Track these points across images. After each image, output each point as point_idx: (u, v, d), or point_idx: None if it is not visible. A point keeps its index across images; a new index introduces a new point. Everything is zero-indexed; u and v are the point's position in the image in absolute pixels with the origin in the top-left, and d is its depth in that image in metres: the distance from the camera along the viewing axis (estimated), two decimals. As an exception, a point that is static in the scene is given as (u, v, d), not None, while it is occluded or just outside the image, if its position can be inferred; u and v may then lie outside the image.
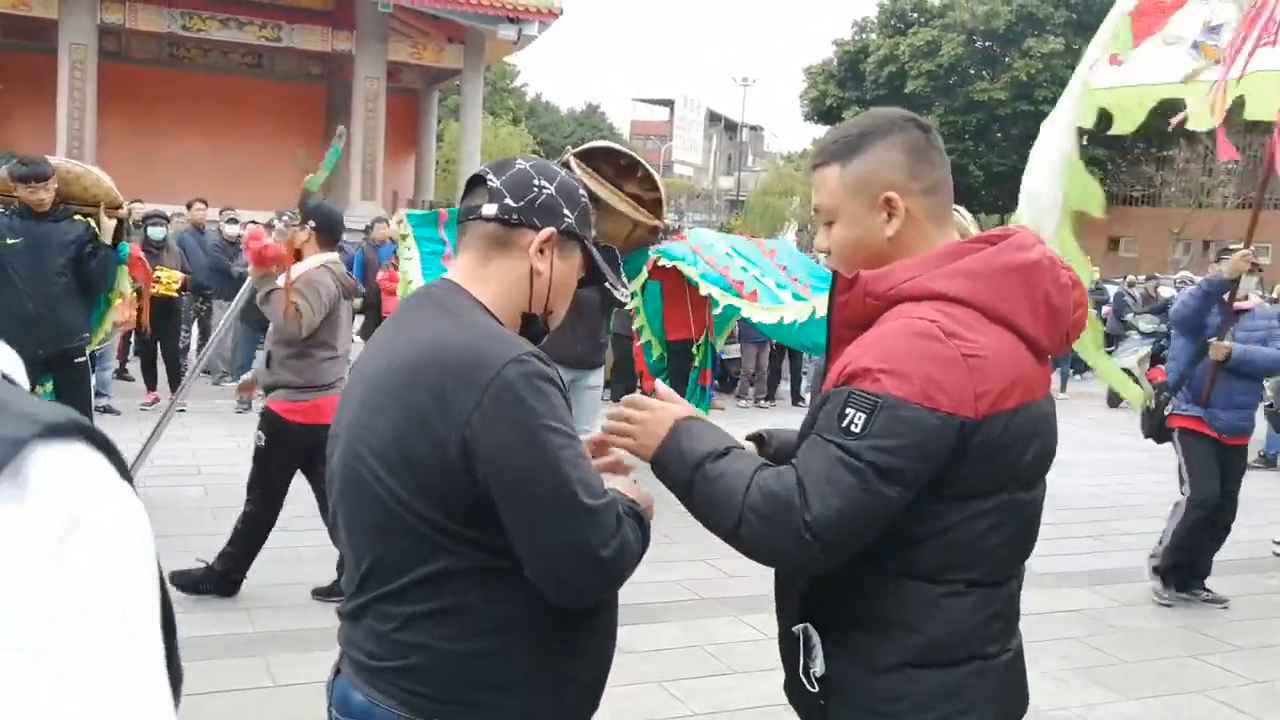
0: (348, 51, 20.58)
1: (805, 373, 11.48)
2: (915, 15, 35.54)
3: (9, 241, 5.02)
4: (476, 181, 1.59)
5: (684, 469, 1.51)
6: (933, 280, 1.47)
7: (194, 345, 10.08)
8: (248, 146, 21.16)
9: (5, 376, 0.61)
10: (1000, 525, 1.48)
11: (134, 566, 0.56)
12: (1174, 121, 4.46)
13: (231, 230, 9.79)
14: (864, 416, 1.39)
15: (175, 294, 9.01)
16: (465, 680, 1.44)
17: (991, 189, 32.41)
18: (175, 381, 8.64)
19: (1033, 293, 1.50)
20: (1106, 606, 5.18)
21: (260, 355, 5.76)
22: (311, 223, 4.44)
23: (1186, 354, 5.25)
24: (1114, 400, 12.87)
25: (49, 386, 5.21)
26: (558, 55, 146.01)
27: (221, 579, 4.47)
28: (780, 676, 1.67)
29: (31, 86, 19.20)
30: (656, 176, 6.22)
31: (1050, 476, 1.60)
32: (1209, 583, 5.30)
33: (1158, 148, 31.89)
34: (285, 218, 4.58)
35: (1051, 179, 4.56)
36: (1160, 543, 5.28)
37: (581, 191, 1.61)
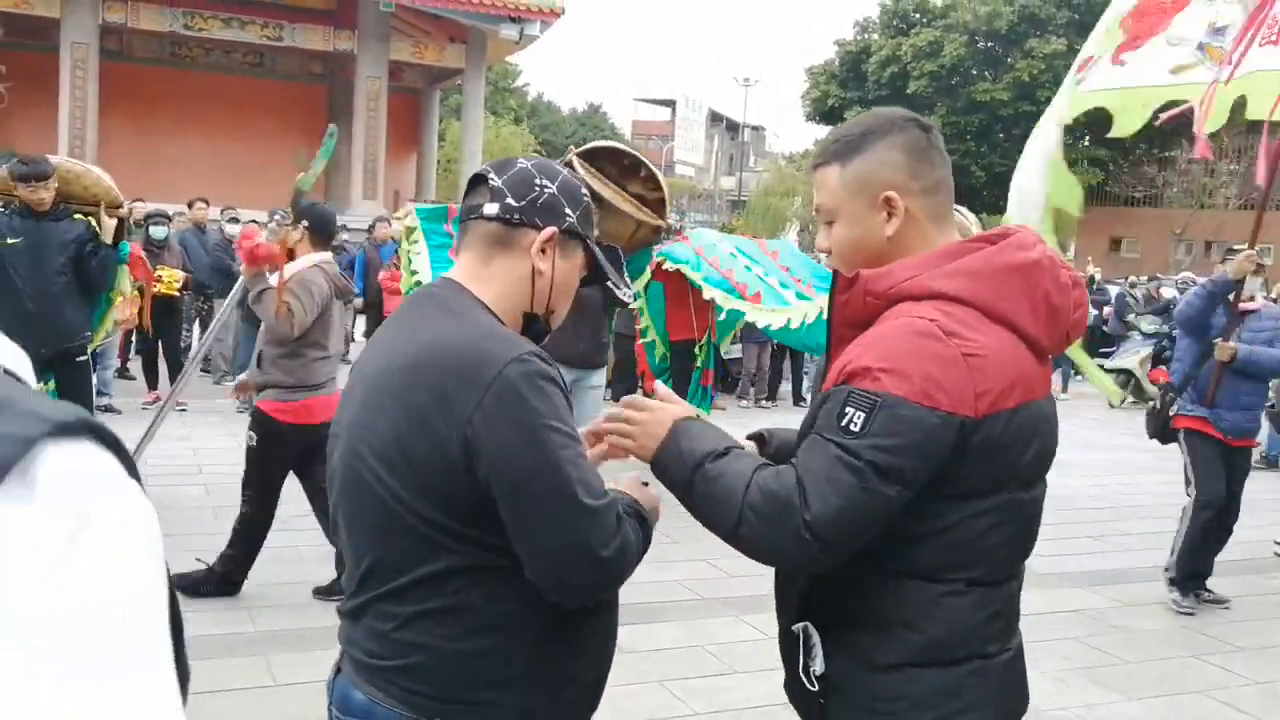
0: (349, 51, 20.57)
1: (806, 373, 11.49)
2: (917, 15, 35.55)
3: (9, 241, 5.03)
4: (478, 180, 1.58)
5: (684, 469, 1.51)
6: (933, 279, 1.47)
7: (195, 344, 10.09)
8: (249, 146, 21.15)
9: (12, 374, 0.60)
10: (1000, 525, 1.48)
11: (143, 565, 0.56)
12: (1162, 117, 4.46)
13: (233, 229, 9.80)
14: (863, 415, 1.39)
15: (177, 293, 9.03)
16: (466, 679, 1.44)
17: (993, 189, 32.37)
18: (182, 387, 8.64)
19: (1033, 292, 1.50)
20: (1107, 607, 5.18)
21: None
22: (304, 222, 4.43)
23: (1192, 354, 5.23)
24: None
25: (50, 385, 5.21)
26: (559, 55, 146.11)
27: (222, 580, 4.48)
28: (781, 676, 1.67)
29: (33, 85, 19.20)
30: (660, 176, 6.22)
31: (1051, 476, 1.60)
32: (1210, 583, 5.30)
33: (1160, 148, 31.86)
34: (278, 217, 4.58)
35: (1038, 177, 4.58)
36: (1171, 553, 5.25)
37: (583, 190, 1.61)
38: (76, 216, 5.23)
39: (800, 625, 1.57)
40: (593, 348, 6.04)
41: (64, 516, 0.53)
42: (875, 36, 36.34)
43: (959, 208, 4.32)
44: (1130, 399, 12.98)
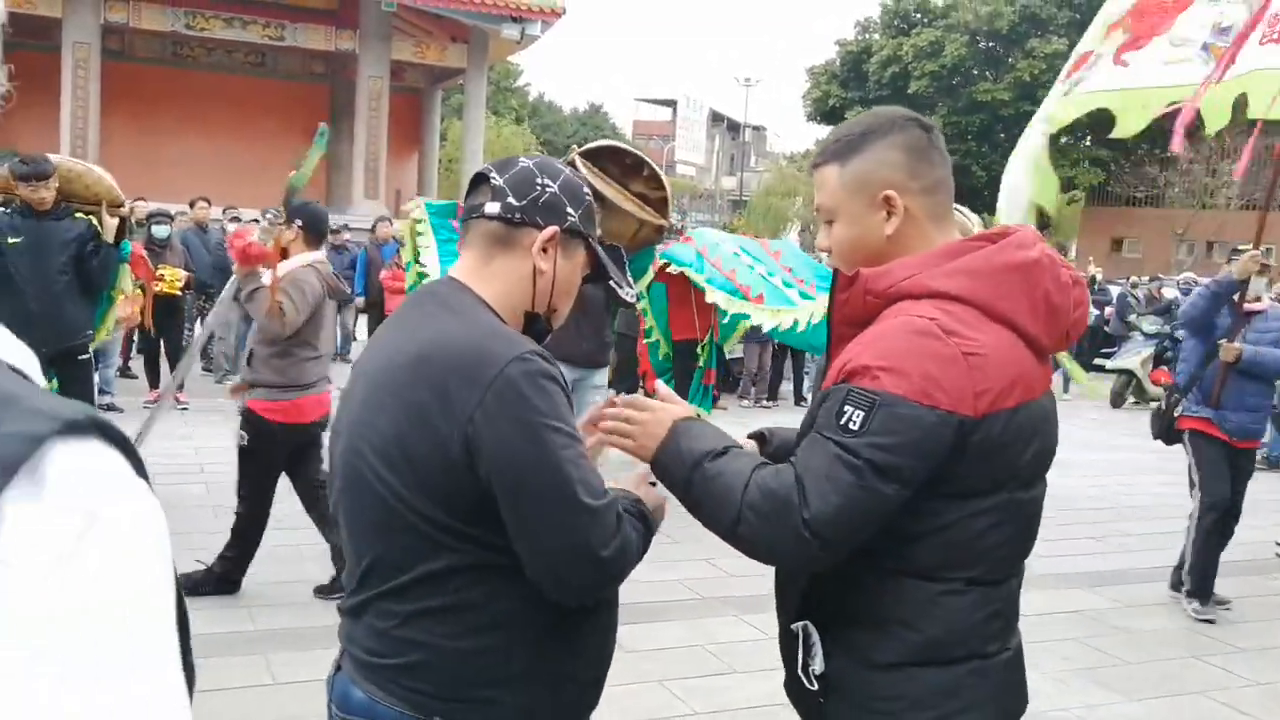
0: (351, 51, 20.59)
1: (807, 372, 11.49)
2: (918, 15, 35.54)
3: (11, 240, 5.03)
4: (480, 179, 1.58)
5: (683, 468, 1.52)
6: (932, 278, 1.47)
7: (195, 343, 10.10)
8: (251, 145, 21.15)
9: (20, 372, 0.60)
10: (999, 524, 1.48)
11: (151, 564, 0.56)
12: (1156, 113, 4.47)
13: (234, 229, 9.80)
14: (862, 414, 1.39)
15: (179, 292, 9.04)
16: (467, 677, 1.44)
17: (994, 189, 32.02)
18: (179, 379, 8.65)
19: (1032, 291, 1.49)
20: (1108, 607, 5.17)
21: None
22: (298, 221, 4.43)
23: (1197, 355, 5.20)
24: (1116, 401, 12.87)
25: (53, 384, 5.22)
26: (561, 55, 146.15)
27: (221, 579, 4.48)
28: (781, 676, 1.67)
29: (35, 85, 19.15)
30: (662, 175, 6.22)
31: (1051, 476, 1.60)
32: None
33: (1161, 148, 31.78)
34: (270, 215, 4.59)
35: (1024, 175, 4.61)
36: (1181, 567, 5.23)
37: (585, 189, 1.61)
38: (78, 215, 5.24)
39: (799, 624, 1.57)
40: (596, 347, 6.04)
41: (73, 515, 0.53)
42: (876, 36, 36.33)
43: (960, 207, 4.32)
44: (1132, 399, 12.98)
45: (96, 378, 6.94)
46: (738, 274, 6.52)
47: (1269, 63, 4.14)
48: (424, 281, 5.47)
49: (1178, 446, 5.33)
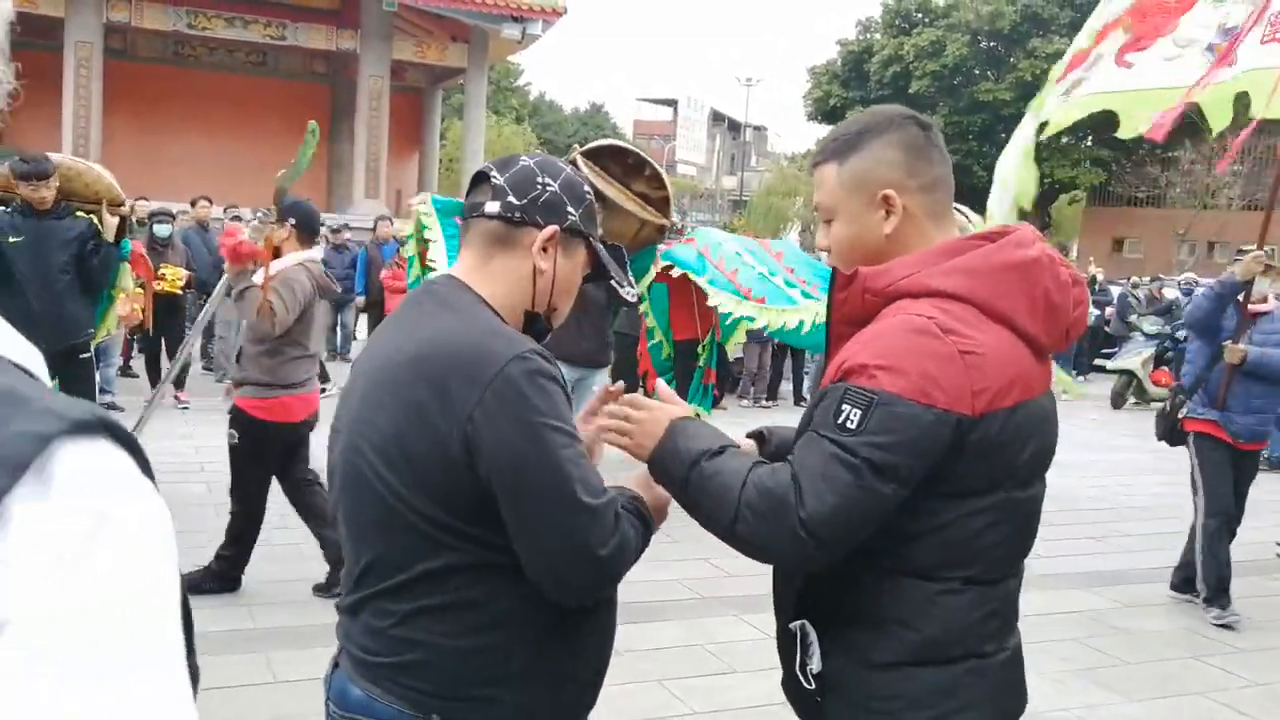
0: (352, 50, 20.60)
1: (807, 372, 11.49)
2: (920, 15, 35.52)
3: (11, 239, 5.04)
4: (480, 178, 1.58)
5: (680, 467, 1.52)
6: (931, 277, 1.47)
7: (198, 342, 10.10)
8: (252, 145, 21.14)
9: (26, 371, 0.60)
10: (997, 523, 1.48)
11: (159, 564, 0.56)
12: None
13: (227, 227, 9.80)
14: (860, 413, 1.39)
15: (180, 291, 9.04)
16: (467, 676, 1.44)
17: (995, 190, 32.34)
18: (180, 379, 8.67)
19: (1031, 290, 1.49)
20: (1107, 608, 5.17)
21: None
22: (291, 220, 4.44)
23: (1203, 356, 5.16)
24: (1117, 401, 12.87)
25: (54, 383, 5.22)
26: (561, 54, 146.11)
27: (220, 577, 4.49)
28: (780, 675, 1.67)
29: (37, 84, 19.15)
30: (664, 175, 6.21)
31: (1051, 477, 1.60)
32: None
33: (1163, 148, 31.79)
34: (260, 214, 4.60)
35: (1012, 171, 4.63)
36: (1183, 569, 5.21)
37: (586, 188, 1.61)
38: (78, 214, 5.25)
39: (797, 623, 1.57)
40: (596, 346, 6.04)
41: (81, 515, 0.53)
42: (877, 36, 36.32)
43: (961, 207, 4.33)
44: (1132, 400, 12.98)
45: (98, 376, 6.94)
46: (739, 274, 6.51)
47: (1269, 62, 4.14)
48: (427, 276, 5.48)
49: (1179, 447, 5.31)
